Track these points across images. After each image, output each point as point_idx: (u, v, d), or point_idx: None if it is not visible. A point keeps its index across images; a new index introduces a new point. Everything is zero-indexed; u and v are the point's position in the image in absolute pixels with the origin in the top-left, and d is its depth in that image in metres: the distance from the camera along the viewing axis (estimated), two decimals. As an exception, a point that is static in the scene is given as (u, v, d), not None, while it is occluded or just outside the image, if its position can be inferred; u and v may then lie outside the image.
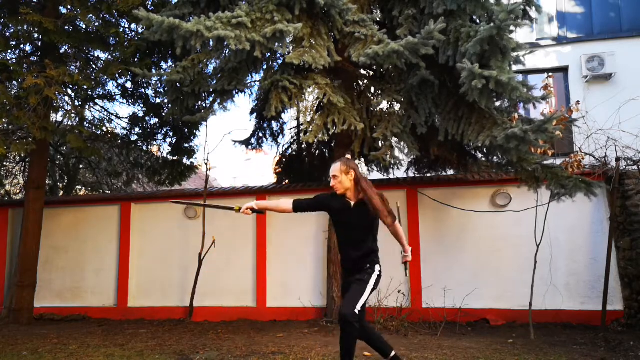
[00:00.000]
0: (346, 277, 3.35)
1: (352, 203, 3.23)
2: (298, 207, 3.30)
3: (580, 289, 6.20)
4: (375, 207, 3.14)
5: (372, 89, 6.07)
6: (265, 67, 5.42)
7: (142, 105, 7.92)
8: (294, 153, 8.42)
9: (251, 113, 8.09)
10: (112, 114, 8.31)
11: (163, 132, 8.09)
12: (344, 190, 3.21)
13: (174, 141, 8.07)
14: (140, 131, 8.12)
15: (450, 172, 7.19)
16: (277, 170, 8.71)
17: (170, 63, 7.20)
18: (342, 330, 3.07)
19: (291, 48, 5.00)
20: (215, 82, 5.36)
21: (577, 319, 6.05)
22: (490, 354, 4.43)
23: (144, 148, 8.50)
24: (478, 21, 5.34)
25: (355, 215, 3.21)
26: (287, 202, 3.33)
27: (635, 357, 4.25)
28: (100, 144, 8.30)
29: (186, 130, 7.89)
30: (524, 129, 4.32)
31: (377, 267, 3.30)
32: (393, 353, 3.37)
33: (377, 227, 3.34)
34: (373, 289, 3.24)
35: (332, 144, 7.17)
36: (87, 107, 7.99)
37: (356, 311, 3.00)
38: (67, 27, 6.58)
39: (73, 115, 6.86)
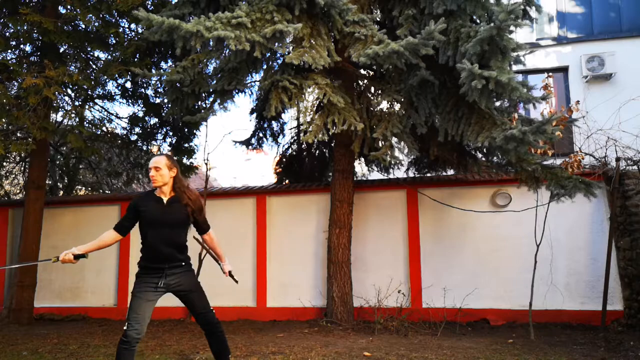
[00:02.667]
0: (151, 284, 3.03)
1: (165, 199, 3.14)
2: (121, 228, 3.20)
3: (580, 289, 6.20)
4: (190, 199, 3.12)
5: (372, 89, 6.06)
6: (265, 67, 5.42)
7: (142, 105, 7.92)
8: (294, 153, 8.42)
9: (251, 113, 8.09)
10: (112, 114, 8.31)
11: (163, 132, 8.08)
12: (162, 184, 3.11)
13: (173, 141, 8.07)
14: (140, 131, 8.12)
15: (450, 172, 7.19)
16: (277, 170, 8.71)
17: (170, 63, 7.20)
18: (219, 334, 3.30)
19: (291, 48, 4.99)
20: (215, 82, 5.36)
21: (577, 319, 6.05)
22: (490, 354, 4.44)
23: (144, 148, 8.50)
24: (478, 21, 5.34)
25: (168, 211, 3.10)
26: (108, 232, 3.22)
27: (635, 357, 4.25)
28: (100, 143, 8.30)
29: (186, 130, 7.89)
30: (523, 130, 4.32)
31: (191, 264, 3.29)
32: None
33: (188, 225, 3.26)
34: None
35: (332, 144, 7.17)
36: (87, 107, 7.99)
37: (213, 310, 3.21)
38: (66, 27, 6.58)
39: (73, 115, 6.86)
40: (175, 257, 3.12)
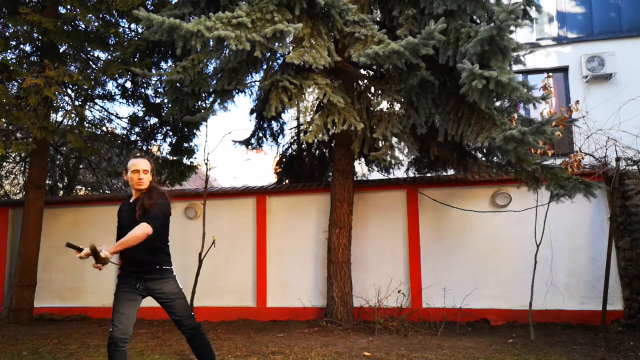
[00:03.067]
0: (130, 285, 2.99)
1: (132, 200, 3.08)
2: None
3: (580, 289, 6.20)
4: (145, 202, 2.92)
5: (372, 89, 6.07)
6: (265, 67, 5.42)
7: (141, 105, 7.92)
8: (294, 153, 8.42)
9: (251, 113, 8.09)
10: (112, 114, 8.31)
11: (163, 132, 8.08)
12: (145, 188, 3.03)
13: (173, 141, 8.07)
14: (140, 131, 8.12)
15: (450, 172, 7.19)
16: (277, 170, 8.71)
17: (170, 63, 7.20)
18: (201, 337, 3.16)
19: (291, 48, 4.99)
20: (215, 81, 5.36)
21: (577, 319, 6.05)
22: (490, 354, 4.44)
23: (144, 148, 8.50)
24: (478, 21, 5.34)
25: (133, 213, 2.97)
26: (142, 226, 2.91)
27: (635, 357, 4.25)
28: (100, 143, 8.30)
29: (186, 130, 7.89)
30: (522, 131, 4.32)
31: (172, 270, 3.14)
32: None
33: (165, 227, 3.11)
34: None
35: (332, 144, 7.17)
36: (87, 107, 7.99)
37: (193, 316, 3.14)
38: (66, 27, 6.57)
39: (73, 115, 6.86)
40: (148, 261, 3.00)
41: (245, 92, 7.12)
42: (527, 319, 5.45)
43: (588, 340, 5.08)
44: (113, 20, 6.74)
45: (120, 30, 6.64)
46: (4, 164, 9.61)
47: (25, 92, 5.70)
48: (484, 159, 6.32)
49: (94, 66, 7.39)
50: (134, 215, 2.96)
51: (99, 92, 7.58)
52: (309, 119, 5.48)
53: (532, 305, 5.41)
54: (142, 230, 2.83)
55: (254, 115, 8.09)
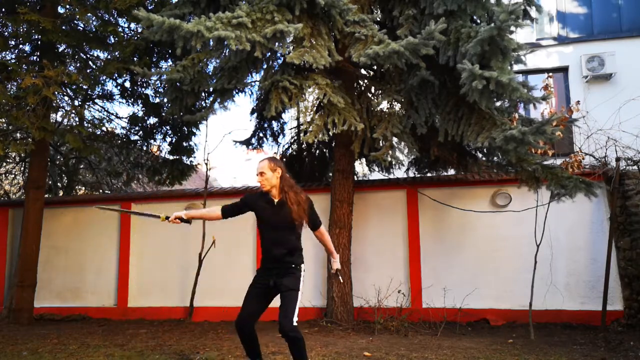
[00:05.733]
0: (264, 278, 3.28)
1: (276, 201, 3.24)
2: (226, 212, 3.34)
3: (580, 289, 6.20)
4: (292, 204, 3.15)
5: (372, 89, 6.06)
6: (265, 66, 5.42)
7: (141, 105, 7.92)
8: (294, 153, 8.41)
9: (252, 113, 8.08)
10: (112, 114, 8.31)
11: (162, 132, 8.08)
12: (270, 188, 3.23)
13: (173, 140, 8.07)
14: (140, 131, 8.11)
15: (451, 172, 7.19)
16: (277, 170, 8.69)
17: (169, 62, 7.20)
18: (288, 342, 3.16)
19: (291, 48, 4.99)
20: (215, 81, 5.35)
21: (577, 319, 6.06)
22: (490, 354, 4.44)
23: (144, 147, 8.50)
24: (478, 21, 5.34)
25: (278, 213, 3.20)
26: (216, 208, 3.38)
27: (635, 357, 4.25)
28: (100, 143, 8.30)
29: (185, 129, 7.89)
30: (523, 131, 4.32)
31: (302, 267, 3.31)
32: None
33: (301, 226, 3.32)
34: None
35: (333, 144, 7.17)
36: (86, 106, 7.99)
37: (295, 323, 3.09)
38: (65, 27, 6.56)
39: (73, 115, 6.86)
40: (285, 259, 3.20)
41: (245, 92, 7.13)
42: (527, 319, 5.45)
43: (588, 340, 5.09)
44: (112, 19, 6.73)
45: (119, 29, 6.63)
46: (4, 164, 9.60)
47: (24, 92, 5.69)
48: (484, 159, 6.33)
49: (93, 66, 7.39)
50: (273, 212, 3.22)
51: (98, 91, 7.58)
52: (309, 119, 5.47)
53: (532, 305, 5.41)
54: (324, 231, 3.49)
55: (255, 115, 8.09)
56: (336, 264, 3.54)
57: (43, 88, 5.63)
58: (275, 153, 8.54)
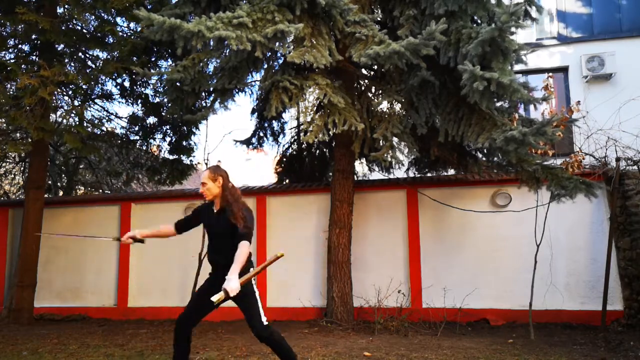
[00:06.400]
0: (212, 284, 3.22)
1: (217, 210, 3.25)
2: (180, 226, 3.40)
3: (580, 289, 6.20)
4: (233, 213, 3.11)
5: (373, 89, 6.06)
6: (265, 66, 5.42)
7: (141, 105, 7.91)
8: (294, 153, 8.42)
9: (252, 113, 8.09)
10: (111, 114, 8.30)
11: (162, 131, 8.07)
12: (212, 197, 3.25)
13: (173, 140, 8.06)
14: (140, 130, 8.10)
15: (451, 172, 7.19)
16: (278, 170, 8.71)
17: (169, 62, 7.18)
18: (268, 344, 3.19)
19: (292, 48, 4.99)
20: (215, 81, 5.35)
21: (577, 319, 6.06)
22: (490, 354, 4.44)
23: (144, 147, 8.49)
24: (479, 22, 5.34)
25: (219, 221, 3.20)
26: (168, 225, 3.44)
27: (635, 357, 4.26)
28: (100, 143, 8.29)
29: (185, 128, 7.88)
30: (523, 132, 4.32)
31: (251, 270, 3.21)
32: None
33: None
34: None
35: (333, 144, 7.17)
36: (86, 106, 7.98)
37: (265, 323, 3.13)
38: (63, 26, 6.55)
39: (73, 115, 6.84)
40: (230, 266, 3.10)
41: (245, 92, 7.12)
42: (527, 319, 5.46)
43: (588, 340, 5.09)
44: (111, 19, 6.72)
45: (117, 28, 6.62)
46: (3, 164, 9.59)
47: (22, 92, 5.68)
48: (484, 159, 6.33)
49: (92, 65, 7.37)
50: (215, 220, 3.23)
51: (97, 91, 7.56)
52: (309, 119, 5.47)
53: (532, 305, 5.42)
54: (242, 249, 3.05)
55: (255, 114, 8.09)
56: (229, 284, 2.83)
57: (40, 88, 5.60)
58: (276, 153, 8.55)
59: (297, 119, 8.26)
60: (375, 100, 5.89)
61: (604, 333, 5.37)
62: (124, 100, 7.94)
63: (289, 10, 4.80)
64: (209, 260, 3.32)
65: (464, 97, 4.64)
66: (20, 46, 7.10)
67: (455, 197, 6.69)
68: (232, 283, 2.86)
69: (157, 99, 7.74)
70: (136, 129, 8.11)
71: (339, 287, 6.11)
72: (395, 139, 5.36)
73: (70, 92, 7.26)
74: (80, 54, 7.30)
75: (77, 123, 6.65)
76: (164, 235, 3.50)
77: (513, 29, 4.26)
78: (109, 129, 8.39)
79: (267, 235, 7.12)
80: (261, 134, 8.31)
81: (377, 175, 7.95)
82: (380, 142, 5.41)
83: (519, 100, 4.48)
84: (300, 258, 6.96)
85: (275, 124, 8.35)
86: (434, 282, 6.49)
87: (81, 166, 10.97)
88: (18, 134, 7.97)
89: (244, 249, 3.00)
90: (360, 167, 8.33)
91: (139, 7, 5.16)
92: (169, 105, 5.87)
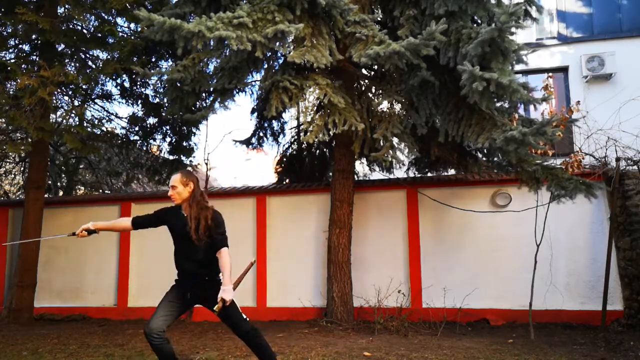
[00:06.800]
0: (179, 290, 3.26)
1: (185, 214, 3.22)
2: (137, 223, 3.37)
3: (580, 289, 6.20)
4: (191, 220, 3.10)
5: (373, 90, 6.06)
6: (266, 66, 5.42)
7: (141, 105, 7.92)
8: (294, 153, 8.42)
9: (252, 112, 8.09)
10: (112, 114, 8.30)
11: (162, 132, 8.07)
12: (181, 201, 3.23)
13: (173, 140, 8.07)
14: (140, 130, 8.11)
15: (451, 172, 7.19)
16: (278, 170, 8.71)
17: (169, 62, 7.18)
18: (250, 342, 3.22)
19: (292, 48, 4.99)
20: (215, 81, 5.35)
21: (577, 319, 6.06)
22: (490, 354, 4.44)
23: (144, 147, 8.49)
24: (479, 22, 5.34)
25: (185, 226, 3.15)
26: (126, 219, 3.43)
27: (635, 357, 4.26)
28: (100, 143, 8.30)
29: (185, 129, 7.89)
30: (523, 132, 4.32)
31: (220, 277, 3.19)
32: None
33: (203, 241, 3.18)
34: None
35: (333, 144, 7.17)
36: (86, 106, 7.97)
37: (247, 319, 3.17)
38: (63, 27, 6.55)
39: (72, 115, 6.84)
40: (197, 272, 3.17)
41: (245, 92, 7.14)
42: (527, 319, 5.46)
43: (588, 340, 5.09)
44: (112, 19, 6.72)
45: (117, 28, 6.61)
46: (3, 164, 9.59)
47: (22, 92, 5.67)
48: (484, 159, 6.33)
49: (93, 65, 7.37)
50: (184, 225, 3.16)
51: (97, 91, 7.56)
52: (309, 119, 5.47)
53: (532, 305, 5.42)
54: (224, 255, 3.08)
55: (255, 114, 8.09)
56: (225, 294, 3.01)
57: (40, 88, 5.60)
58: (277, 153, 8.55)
59: (297, 119, 8.26)
60: (376, 100, 5.89)
61: (604, 333, 5.37)
62: (124, 101, 7.95)
63: (289, 10, 4.80)
64: (177, 264, 3.29)
65: (464, 97, 4.64)
66: (20, 46, 7.10)
67: (455, 197, 6.69)
68: (229, 294, 3.00)
69: (157, 99, 7.74)
70: (136, 129, 8.11)
71: (339, 287, 6.11)
72: (395, 139, 5.36)
73: (70, 92, 7.26)
74: (80, 54, 7.30)
75: (77, 123, 6.65)
76: (119, 229, 3.54)
77: (513, 29, 4.26)
78: (109, 129, 8.39)
79: (267, 236, 7.12)
80: (261, 134, 8.31)
81: (377, 175, 7.96)
82: (381, 142, 5.41)
83: (518, 101, 4.47)
84: (300, 258, 6.96)
85: (275, 123, 8.35)
86: (434, 282, 6.49)
87: (81, 166, 10.97)
88: (18, 134, 7.96)
89: (226, 257, 3.06)
90: (361, 167, 8.33)
91: (139, 7, 5.16)
92: (169, 105, 5.86)
